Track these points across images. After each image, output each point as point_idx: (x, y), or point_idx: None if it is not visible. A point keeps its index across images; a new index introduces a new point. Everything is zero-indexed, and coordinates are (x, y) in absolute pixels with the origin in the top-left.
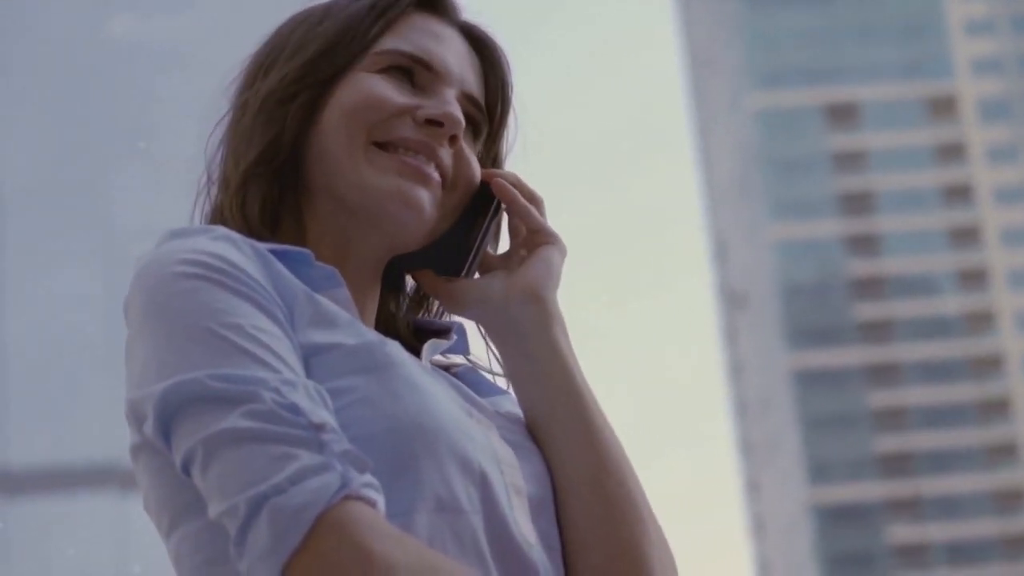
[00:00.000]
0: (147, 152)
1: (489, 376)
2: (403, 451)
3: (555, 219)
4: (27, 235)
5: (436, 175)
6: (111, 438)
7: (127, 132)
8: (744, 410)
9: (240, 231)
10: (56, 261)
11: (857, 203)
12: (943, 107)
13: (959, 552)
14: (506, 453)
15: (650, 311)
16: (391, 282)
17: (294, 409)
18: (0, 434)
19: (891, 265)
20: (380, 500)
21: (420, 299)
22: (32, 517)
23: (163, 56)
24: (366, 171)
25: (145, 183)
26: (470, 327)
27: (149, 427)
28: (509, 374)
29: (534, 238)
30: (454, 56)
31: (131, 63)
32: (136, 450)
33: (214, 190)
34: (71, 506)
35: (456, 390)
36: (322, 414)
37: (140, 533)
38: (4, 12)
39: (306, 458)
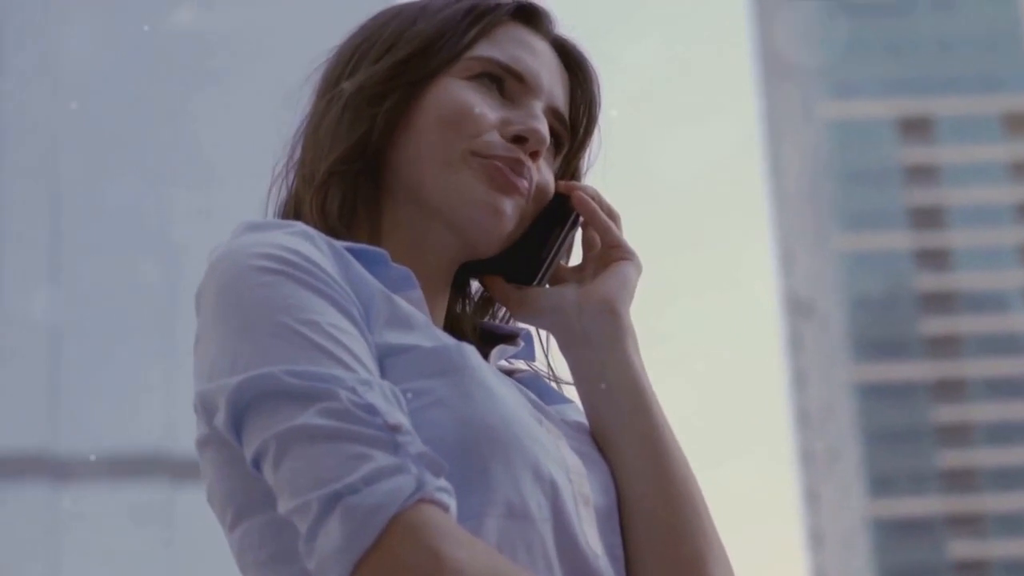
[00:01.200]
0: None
1: (553, 384)
2: (475, 456)
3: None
4: (83, 223)
5: (525, 184)
6: (162, 428)
7: (187, 123)
8: (806, 420)
9: (317, 227)
10: (112, 250)
11: (928, 217)
12: (1020, 123)
13: (1020, 570)
14: (574, 462)
15: (715, 318)
16: (456, 284)
17: (370, 409)
18: (50, 422)
19: (960, 280)
20: (453, 504)
21: (485, 303)
22: (81, 504)
23: (223, 44)
24: (461, 178)
25: (202, 173)
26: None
27: (220, 420)
28: (578, 384)
29: (611, 253)
30: (546, 70)
31: (193, 50)
32: (203, 442)
33: (291, 178)
34: (120, 494)
35: (525, 397)
36: (398, 415)
37: (188, 523)
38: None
39: (381, 459)
